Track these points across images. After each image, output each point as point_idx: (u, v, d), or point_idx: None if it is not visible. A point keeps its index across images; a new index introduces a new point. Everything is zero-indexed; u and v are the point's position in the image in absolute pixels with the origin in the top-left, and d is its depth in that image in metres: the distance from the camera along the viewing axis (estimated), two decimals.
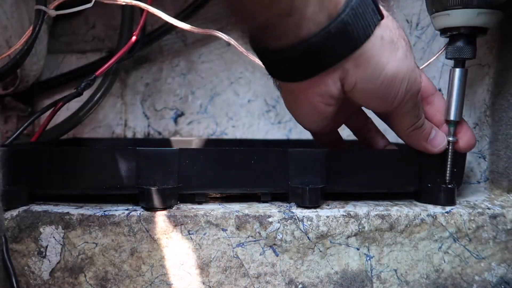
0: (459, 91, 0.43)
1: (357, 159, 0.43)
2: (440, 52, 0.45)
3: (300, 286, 0.40)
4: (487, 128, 0.50)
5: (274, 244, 0.39)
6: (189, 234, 0.39)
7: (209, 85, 0.76)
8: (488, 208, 0.44)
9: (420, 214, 0.42)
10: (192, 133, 0.76)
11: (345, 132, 0.49)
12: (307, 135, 0.50)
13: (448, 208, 0.43)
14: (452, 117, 0.43)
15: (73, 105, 0.64)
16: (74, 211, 0.39)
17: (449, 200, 0.44)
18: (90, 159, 0.40)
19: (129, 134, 0.77)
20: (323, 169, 0.42)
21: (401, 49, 0.36)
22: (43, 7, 0.49)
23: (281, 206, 0.42)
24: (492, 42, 0.50)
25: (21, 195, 0.39)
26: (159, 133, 0.76)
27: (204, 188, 0.42)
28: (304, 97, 0.38)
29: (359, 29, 0.34)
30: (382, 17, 0.35)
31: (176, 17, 0.53)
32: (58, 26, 0.75)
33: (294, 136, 0.73)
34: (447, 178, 0.44)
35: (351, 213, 0.41)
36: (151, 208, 0.39)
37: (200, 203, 0.42)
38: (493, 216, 0.43)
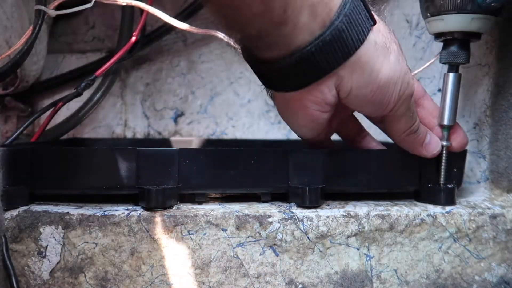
0: (453, 96, 0.44)
1: (357, 159, 0.43)
2: (434, 59, 0.45)
3: (300, 286, 0.40)
4: (487, 128, 0.50)
5: (274, 244, 0.39)
6: (189, 234, 0.39)
7: (209, 85, 0.76)
8: (488, 208, 0.44)
9: (420, 214, 0.42)
10: (192, 133, 0.76)
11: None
12: None
13: (448, 208, 0.43)
14: (446, 122, 0.44)
15: (73, 105, 0.64)
16: (74, 211, 0.39)
17: (449, 200, 0.44)
18: (90, 159, 0.40)
19: (129, 134, 0.77)
20: (323, 169, 0.42)
21: (394, 53, 0.37)
22: (43, 7, 0.49)
23: (281, 206, 0.42)
24: (492, 42, 0.50)
25: (21, 195, 0.39)
26: (159, 133, 0.76)
27: (204, 188, 0.42)
28: (299, 105, 0.38)
29: (353, 36, 0.34)
30: (374, 22, 0.35)
31: (176, 17, 0.54)
32: (58, 26, 0.75)
33: (294, 136, 0.73)
34: (442, 181, 0.44)
35: (351, 213, 0.41)
36: (151, 208, 0.39)
37: (200, 203, 0.42)
38: (493, 216, 0.43)
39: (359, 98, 0.37)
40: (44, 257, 0.38)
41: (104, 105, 0.75)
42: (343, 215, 0.40)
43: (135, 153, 0.39)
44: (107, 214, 0.38)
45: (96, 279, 0.38)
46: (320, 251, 0.40)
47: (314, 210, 0.41)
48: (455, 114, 0.44)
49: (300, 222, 0.40)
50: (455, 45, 0.42)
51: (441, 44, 0.44)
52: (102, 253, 0.38)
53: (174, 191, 0.40)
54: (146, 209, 0.39)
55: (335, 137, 0.47)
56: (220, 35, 0.50)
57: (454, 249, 0.42)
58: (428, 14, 0.42)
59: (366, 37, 0.34)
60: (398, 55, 0.37)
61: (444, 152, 0.44)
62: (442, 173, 0.44)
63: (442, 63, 0.44)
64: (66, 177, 0.40)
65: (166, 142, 0.71)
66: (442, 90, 0.44)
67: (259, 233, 0.39)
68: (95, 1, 0.50)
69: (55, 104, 0.53)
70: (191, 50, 0.76)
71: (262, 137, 0.76)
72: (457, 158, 0.45)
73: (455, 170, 0.45)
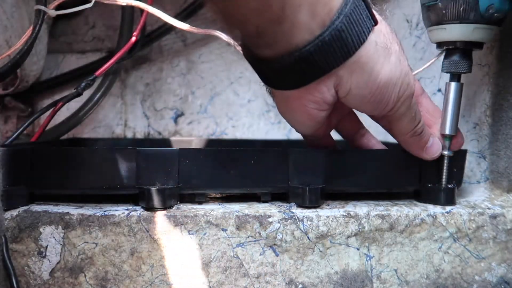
0: (455, 105, 0.44)
1: (357, 159, 0.43)
2: (434, 59, 0.45)
3: (300, 286, 0.40)
4: (487, 128, 0.50)
5: (274, 244, 0.39)
6: (189, 234, 0.39)
7: (209, 85, 0.76)
8: (488, 208, 0.44)
9: (420, 214, 0.42)
10: (192, 133, 0.76)
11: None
12: None
13: (448, 208, 0.43)
14: (448, 131, 0.44)
15: (73, 105, 0.64)
16: (74, 211, 0.39)
17: (449, 200, 0.44)
18: (90, 159, 0.40)
19: (129, 134, 0.77)
20: (323, 169, 0.42)
21: (395, 54, 0.36)
22: (43, 7, 0.49)
23: (281, 206, 0.42)
24: (492, 42, 0.49)
25: (21, 195, 0.39)
26: (159, 133, 0.76)
27: (204, 188, 0.42)
28: (298, 103, 0.38)
29: (353, 36, 0.33)
30: (376, 22, 0.35)
31: (176, 17, 0.54)
32: (58, 26, 0.75)
33: (294, 136, 0.73)
34: (443, 183, 0.44)
35: (351, 213, 0.41)
36: (151, 208, 0.39)
37: (200, 203, 0.42)
38: (493, 216, 0.43)
39: (358, 98, 0.37)
40: (44, 257, 0.38)
41: (104, 105, 0.75)
42: (343, 215, 0.40)
43: (135, 153, 0.39)
44: (107, 214, 0.38)
45: (96, 279, 0.38)
46: (320, 251, 0.40)
47: (314, 210, 0.41)
48: (457, 123, 0.44)
49: (300, 222, 0.40)
50: (457, 54, 0.42)
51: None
52: (102, 253, 0.38)
53: (174, 191, 0.40)
54: (146, 209, 0.39)
55: (336, 137, 0.47)
56: (220, 35, 0.50)
57: (454, 249, 0.42)
58: (430, 23, 0.42)
59: (366, 38, 0.34)
60: (399, 55, 0.37)
61: (445, 161, 0.44)
62: (444, 181, 0.44)
63: (444, 72, 0.44)
64: (66, 177, 0.40)
65: (166, 142, 0.71)
66: (444, 99, 0.44)
67: (259, 233, 0.39)
68: (95, 1, 0.50)
69: (55, 104, 0.53)
70: (191, 50, 0.76)
71: (262, 137, 0.76)
72: (457, 158, 0.45)
73: (455, 170, 0.45)
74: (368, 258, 0.41)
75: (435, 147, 0.43)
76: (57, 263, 0.38)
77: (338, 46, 0.33)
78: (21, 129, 0.49)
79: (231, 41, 0.49)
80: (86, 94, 0.59)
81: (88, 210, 0.39)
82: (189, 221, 0.39)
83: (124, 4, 0.51)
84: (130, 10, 0.66)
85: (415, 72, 0.47)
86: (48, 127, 0.55)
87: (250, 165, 0.41)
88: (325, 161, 0.42)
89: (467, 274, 0.42)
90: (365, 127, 0.47)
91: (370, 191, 0.46)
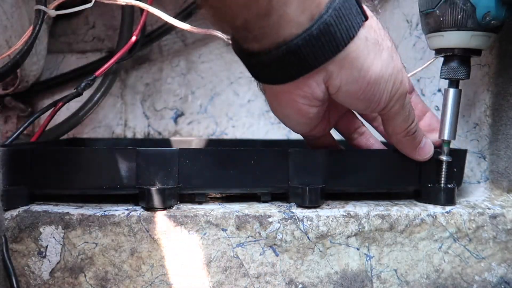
0: (453, 111, 0.44)
1: (357, 159, 0.43)
2: (434, 59, 0.45)
3: (300, 286, 0.40)
4: (487, 128, 0.50)
5: (274, 244, 0.39)
6: (189, 234, 0.39)
7: (209, 85, 0.76)
8: (488, 208, 0.44)
9: (420, 214, 0.42)
10: (192, 133, 0.76)
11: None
12: None
13: (448, 208, 0.43)
14: (446, 137, 0.44)
15: (73, 105, 0.64)
16: (74, 211, 0.39)
17: (449, 200, 0.44)
18: (90, 159, 0.40)
19: (129, 134, 0.77)
20: (323, 169, 0.42)
21: (386, 50, 0.36)
22: (43, 7, 0.49)
23: (281, 206, 0.42)
24: (492, 42, 0.49)
25: (21, 195, 0.39)
26: (159, 133, 0.76)
27: (204, 188, 0.42)
28: (288, 99, 0.37)
29: (342, 31, 0.33)
30: (366, 18, 0.35)
31: (176, 17, 0.54)
32: (58, 26, 0.75)
33: (294, 136, 0.73)
34: (442, 185, 0.44)
35: (351, 213, 0.41)
36: (151, 208, 0.39)
37: (200, 203, 0.42)
38: (493, 216, 0.43)
39: (349, 94, 0.36)
40: (44, 257, 0.38)
41: (104, 105, 0.75)
42: (343, 215, 0.40)
43: (135, 153, 0.39)
44: (107, 214, 0.38)
45: (96, 279, 0.38)
46: (320, 251, 0.40)
47: (314, 210, 0.41)
48: (455, 129, 0.44)
49: (300, 222, 0.40)
50: (456, 61, 0.43)
51: None
52: (102, 253, 0.38)
53: (174, 191, 0.40)
54: (146, 209, 0.39)
55: (337, 137, 0.47)
56: (220, 34, 0.50)
57: (454, 249, 0.42)
58: (428, 30, 0.43)
59: (356, 33, 0.34)
60: (392, 52, 0.36)
61: (444, 167, 0.44)
62: (442, 184, 0.44)
63: (443, 79, 0.44)
64: (66, 177, 0.40)
65: (166, 142, 0.71)
66: (442, 105, 0.44)
67: (259, 233, 0.39)
68: (95, 1, 0.50)
69: (55, 104, 0.53)
70: (191, 50, 0.76)
71: (262, 137, 0.76)
72: (457, 158, 0.45)
73: (455, 170, 0.45)
74: (368, 258, 0.41)
75: (427, 148, 0.43)
76: (57, 263, 0.38)
77: (327, 40, 0.33)
78: (21, 129, 0.50)
79: (229, 40, 0.49)
80: (86, 94, 0.59)
81: (88, 210, 0.39)
82: (189, 221, 0.39)
83: (124, 4, 0.51)
84: (130, 10, 0.66)
85: (415, 72, 0.47)
86: (48, 127, 0.55)
87: (250, 165, 0.41)
88: (325, 161, 0.42)
89: (467, 274, 0.42)
90: (364, 126, 0.47)
91: (370, 191, 0.46)
